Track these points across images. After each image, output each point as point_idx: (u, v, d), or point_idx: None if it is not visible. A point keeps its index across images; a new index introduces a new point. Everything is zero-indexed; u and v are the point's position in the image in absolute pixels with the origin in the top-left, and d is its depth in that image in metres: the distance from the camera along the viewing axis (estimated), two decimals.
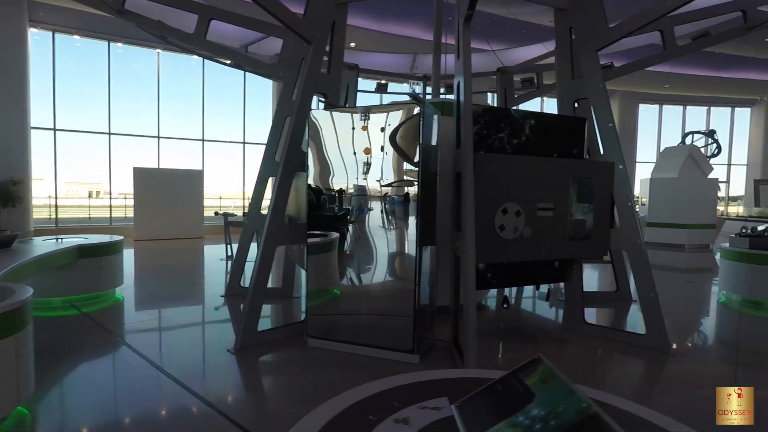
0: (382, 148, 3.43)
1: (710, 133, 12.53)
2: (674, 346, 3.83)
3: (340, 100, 5.03)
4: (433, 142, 3.68)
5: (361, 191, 3.55)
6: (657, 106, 18.13)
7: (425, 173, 3.45)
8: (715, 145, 12.57)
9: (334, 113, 3.65)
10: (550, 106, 14.21)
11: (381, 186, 3.48)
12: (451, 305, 3.66)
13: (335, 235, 3.72)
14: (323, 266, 3.85)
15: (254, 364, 3.44)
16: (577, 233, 3.93)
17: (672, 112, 18.31)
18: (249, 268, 4.57)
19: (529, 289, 5.99)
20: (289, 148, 3.90)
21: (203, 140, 13.29)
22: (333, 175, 3.64)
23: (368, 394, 1.29)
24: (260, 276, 3.75)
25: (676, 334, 4.51)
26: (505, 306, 4.87)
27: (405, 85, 10.13)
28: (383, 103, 5.44)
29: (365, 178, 3.52)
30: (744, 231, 5.91)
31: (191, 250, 10.05)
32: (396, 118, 3.41)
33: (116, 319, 4.55)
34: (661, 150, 12.76)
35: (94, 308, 4.72)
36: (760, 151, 18.00)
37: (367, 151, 3.48)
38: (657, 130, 18.07)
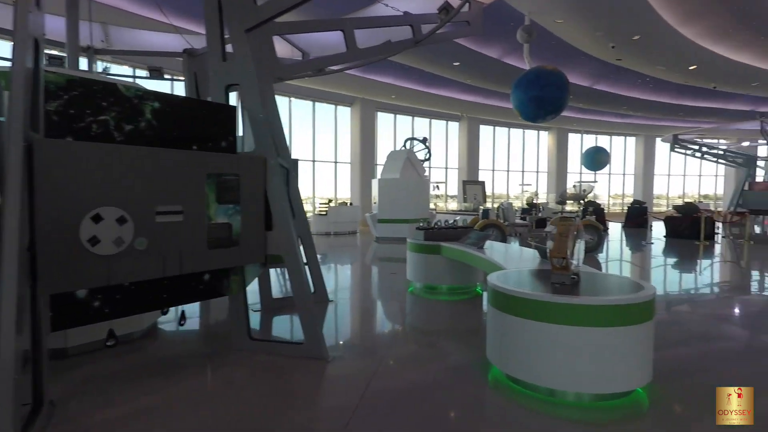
0: None
1: (423, 140, 14.54)
2: (342, 342, 3.68)
3: None
4: None
5: None
6: (392, 115, 20.31)
7: None
8: (426, 150, 14.61)
9: None
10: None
11: None
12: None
13: None
14: None
15: None
16: (221, 239, 3.39)
17: (404, 120, 20.81)
18: None
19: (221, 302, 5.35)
20: None
21: None
22: None
23: None
24: None
25: (354, 331, 4.49)
26: (181, 323, 4.12)
27: None
28: None
29: None
30: (420, 225, 6.56)
31: None
32: None
33: None
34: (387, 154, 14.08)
35: None
36: (465, 157, 22.10)
37: None
38: (393, 136, 20.23)
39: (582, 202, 12.93)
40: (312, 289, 5.65)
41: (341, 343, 4.28)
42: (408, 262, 6.53)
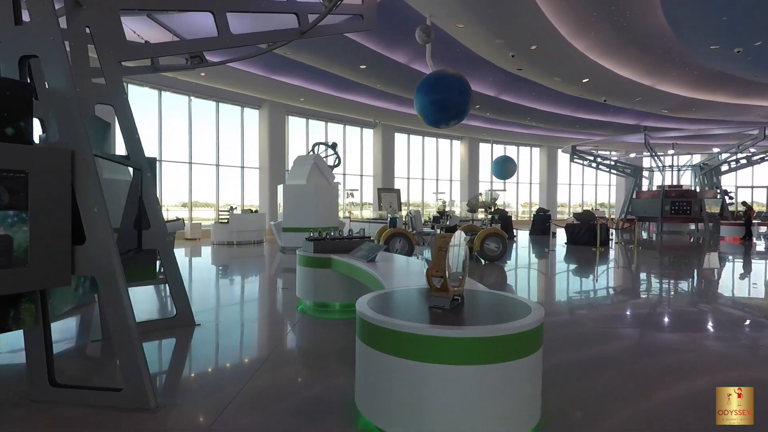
0: None
1: (333, 146, 13.93)
2: (187, 380, 2.86)
3: None
4: None
5: None
6: (304, 120, 19.49)
7: None
8: (335, 156, 14.02)
9: None
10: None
11: None
12: None
13: None
14: None
15: None
16: None
17: (316, 126, 20.08)
18: None
19: None
20: None
21: None
22: None
23: None
24: None
25: (207, 363, 3.68)
26: None
27: None
28: None
29: None
30: (311, 235, 5.90)
31: None
32: None
33: None
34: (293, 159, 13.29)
35: None
36: (380, 165, 21.87)
37: None
38: (306, 142, 19.39)
39: (490, 209, 13.08)
40: (174, 312, 4.77)
41: (185, 381, 3.47)
42: (297, 277, 5.83)
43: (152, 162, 4.63)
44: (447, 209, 12.91)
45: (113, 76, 4.33)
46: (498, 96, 16.52)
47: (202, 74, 13.60)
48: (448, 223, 11.64)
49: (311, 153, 13.72)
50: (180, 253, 11.94)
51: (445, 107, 8.16)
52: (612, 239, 14.87)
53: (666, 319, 5.46)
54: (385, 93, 15.90)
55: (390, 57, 12.11)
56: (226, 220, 13.98)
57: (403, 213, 16.11)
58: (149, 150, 14.67)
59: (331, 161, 14.05)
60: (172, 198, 16.23)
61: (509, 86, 15.52)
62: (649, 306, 6.21)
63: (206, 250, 12.54)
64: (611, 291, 7.35)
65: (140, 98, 14.85)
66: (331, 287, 5.46)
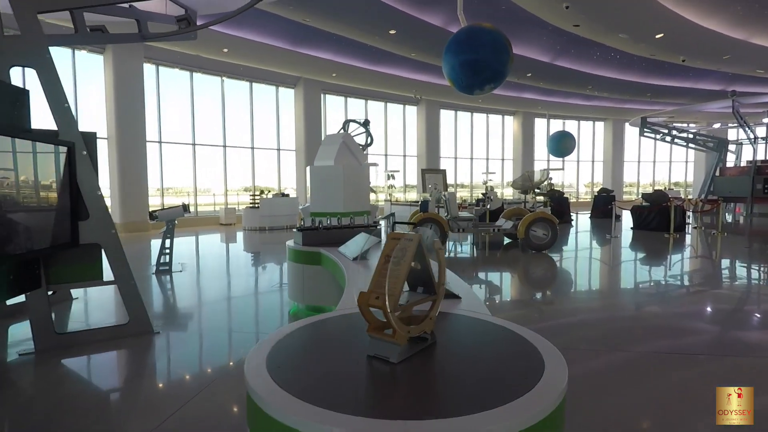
0: None
1: (365, 123, 12.81)
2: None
3: None
4: None
5: None
6: (342, 98, 18.54)
7: None
8: (367, 135, 12.91)
9: None
10: None
11: None
12: None
13: None
14: None
15: None
16: None
17: (356, 105, 19.08)
18: None
19: None
20: None
21: None
22: None
23: None
24: None
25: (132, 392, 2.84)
26: None
27: None
28: None
29: None
30: (303, 224, 4.94)
31: None
32: None
33: None
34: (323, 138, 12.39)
35: None
36: (424, 144, 20.53)
37: None
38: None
39: (539, 190, 11.50)
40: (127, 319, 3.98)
41: (114, 403, 2.63)
42: (287, 275, 4.91)
43: (90, 137, 3.80)
44: (487, 191, 11.41)
45: (31, 32, 3.50)
46: (552, 62, 14.56)
47: (225, 50, 12.94)
48: (488, 206, 10.25)
49: (341, 131, 12.71)
50: (205, 240, 11.51)
51: (478, 69, 6.79)
52: (689, 223, 12.75)
53: None
54: (424, 64, 14.51)
55: (422, 18, 10.69)
56: (256, 205, 13.42)
57: (428, 196, 14.70)
58: (181, 134, 14.53)
59: (362, 140, 12.97)
60: (207, 183, 15.97)
61: (565, 49, 13.55)
62: (743, 309, 4.67)
63: (232, 236, 12.03)
64: (687, 288, 5.80)
65: (172, 80, 14.55)
66: (323, 288, 4.49)
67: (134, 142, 12.87)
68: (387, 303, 1.49)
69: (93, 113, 12.84)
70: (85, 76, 12.71)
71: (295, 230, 4.80)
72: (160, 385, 3.18)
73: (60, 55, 12.08)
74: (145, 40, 5.44)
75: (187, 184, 15.54)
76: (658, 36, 12.35)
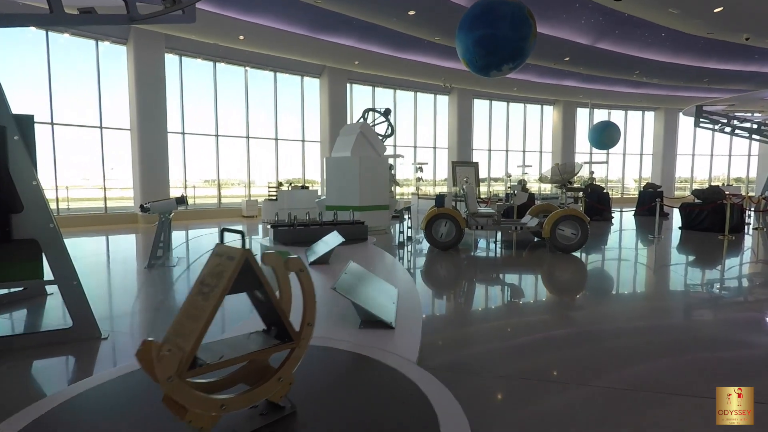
0: None
1: (385, 112, 12.17)
2: None
3: None
4: None
5: None
6: (370, 88, 17.96)
7: None
8: (387, 125, 12.26)
9: None
10: None
11: None
12: None
13: None
14: None
15: None
16: None
17: (384, 94, 18.45)
18: None
19: None
20: None
21: None
22: None
23: None
24: None
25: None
26: None
27: None
28: None
29: None
30: (277, 219, 4.39)
31: None
32: None
33: None
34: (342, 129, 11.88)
35: None
36: (456, 136, 19.61)
37: None
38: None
39: (570, 183, 10.48)
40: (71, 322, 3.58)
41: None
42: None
43: (25, 120, 3.40)
44: (510, 185, 10.52)
45: None
46: (594, 44, 13.31)
47: (241, 37, 12.61)
48: (512, 201, 9.38)
49: (360, 120, 12.13)
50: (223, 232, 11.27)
51: (495, 47, 6.01)
52: (749, 224, 11.33)
53: None
54: (451, 50, 13.64)
55: None
56: (274, 197, 13.10)
57: (445, 189, 13.70)
58: (203, 126, 14.34)
59: (382, 130, 12.34)
60: (229, 174, 15.85)
61: (608, 29, 12.30)
62: None
63: (251, 229, 11.75)
64: (745, 303, 4.83)
65: (195, 71, 14.43)
66: None
67: (156, 134, 12.83)
68: (170, 362, 0.90)
69: (118, 105, 12.89)
70: (110, 67, 12.75)
71: (269, 227, 4.25)
72: None
73: (83, 46, 12.15)
74: (134, 21, 5.06)
75: (238, 175, 15.74)
76: (717, 10, 10.88)
